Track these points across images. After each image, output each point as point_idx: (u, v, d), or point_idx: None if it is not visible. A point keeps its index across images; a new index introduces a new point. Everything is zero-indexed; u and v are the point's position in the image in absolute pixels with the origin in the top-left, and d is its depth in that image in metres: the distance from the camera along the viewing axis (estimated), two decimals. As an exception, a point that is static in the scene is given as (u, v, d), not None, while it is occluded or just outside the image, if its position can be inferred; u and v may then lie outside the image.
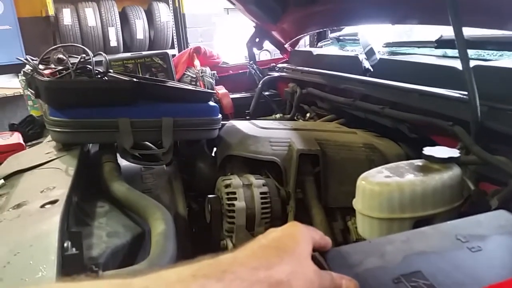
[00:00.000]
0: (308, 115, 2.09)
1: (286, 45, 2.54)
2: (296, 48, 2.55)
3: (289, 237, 0.54)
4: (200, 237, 1.39)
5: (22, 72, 1.83)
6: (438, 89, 1.20)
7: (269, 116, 2.23)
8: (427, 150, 0.89)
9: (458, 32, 1.02)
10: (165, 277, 0.45)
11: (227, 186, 1.24)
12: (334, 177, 1.32)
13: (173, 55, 2.75)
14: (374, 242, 0.67)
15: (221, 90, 2.36)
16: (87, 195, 1.14)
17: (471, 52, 1.28)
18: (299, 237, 0.54)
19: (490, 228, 0.67)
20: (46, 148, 1.33)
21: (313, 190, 1.31)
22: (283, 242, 0.53)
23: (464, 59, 1.03)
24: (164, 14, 5.31)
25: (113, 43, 4.99)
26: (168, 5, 5.43)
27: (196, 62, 2.46)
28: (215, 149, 1.61)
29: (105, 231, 0.97)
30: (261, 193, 1.24)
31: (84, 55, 1.35)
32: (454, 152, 0.89)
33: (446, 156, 0.86)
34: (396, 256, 0.61)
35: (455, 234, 0.65)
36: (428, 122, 1.21)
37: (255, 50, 2.56)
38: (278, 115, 2.21)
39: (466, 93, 1.06)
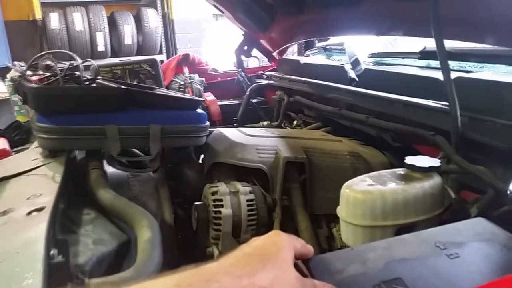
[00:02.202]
0: (295, 122, 2.11)
1: (274, 53, 2.56)
2: (284, 57, 2.58)
3: (272, 245, 0.55)
4: (186, 244, 1.40)
5: (8, 77, 1.82)
6: (421, 100, 1.23)
7: (257, 123, 2.25)
8: (409, 159, 0.91)
9: (439, 44, 1.06)
10: (149, 286, 0.46)
11: (214, 193, 1.25)
12: (320, 185, 1.34)
13: (162, 61, 2.76)
14: (357, 249, 0.69)
15: (209, 97, 2.38)
16: (73, 202, 1.14)
17: (453, 64, 1.31)
18: (282, 245, 0.56)
19: (468, 236, 0.70)
20: (32, 154, 1.33)
21: (299, 197, 1.32)
22: (266, 250, 0.54)
23: (446, 70, 1.06)
24: (152, 19, 5.31)
25: (100, 48, 4.97)
26: (157, 11, 5.43)
27: (185, 69, 2.47)
28: (202, 156, 1.62)
29: (91, 239, 0.97)
30: (247, 200, 1.25)
31: (72, 62, 1.36)
32: (435, 162, 0.91)
33: (427, 165, 0.89)
34: (378, 263, 0.63)
35: (435, 242, 0.67)
36: (410, 131, 1.24)
37: (243, 57, 2.58)
38: (265, 122, 2.23)
39: (447, 104, 1.09)
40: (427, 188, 0.86)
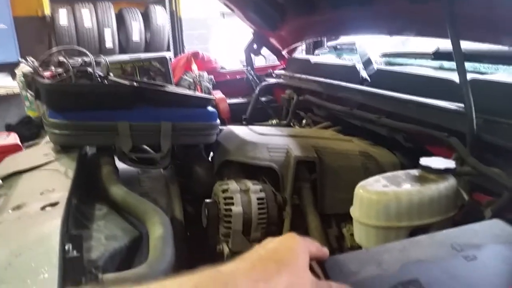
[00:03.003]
0: (304, 121, 2.10)
1: (284, 52, 2.56)
2: (293, 55, 2.57)
3: (287, 249, 0.55)
4: (196, 240, 1.40)
5: (19, 72, 1.83)
6: (435, 101, 1.22)
7: (266, 121, 2.24)
8: (424, 161, 0.90)
9: (456, 46, 1.05)
10: (168, 287, 0.46)
11: (224, 191, 1.25)
12: (330, 184, 1.34)
13: (169, 58, 2.76)
14: (371, 250, 0.68)
15: (218, 94, 2.38)
16: (85, 197, 1.14)
17: (467, 65, 1.30)
18: (297, 249, 0.56)
19: (485, 237, 0.69)
20: (44, 149, 1.33)
21: (310, 196, 1.32)
22: (281, 254, 0.54)
23: (462, 72, 1.05)
24: (160, 17, 5.32)
25: (108, 44, 4.99)
26: (165, 8, 5.44)
27: (194, 67, 2.47)
28: (212, 153, 1.61)
29: (104, 234, 0.98)
30: (258, 199, 1.25)
31: (84, 58, 1.36)
32: (450, 163, 0.90)
33: (442, 167, 0.88)
34: (394, 264, 0.62)
35: (451, 243, 0.67)
36: (424, 132, 1.23)
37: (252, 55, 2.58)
38: (274, 121, 2.23)
39: (462, 105, 1.09)
40: (442, 190, 0.85)
